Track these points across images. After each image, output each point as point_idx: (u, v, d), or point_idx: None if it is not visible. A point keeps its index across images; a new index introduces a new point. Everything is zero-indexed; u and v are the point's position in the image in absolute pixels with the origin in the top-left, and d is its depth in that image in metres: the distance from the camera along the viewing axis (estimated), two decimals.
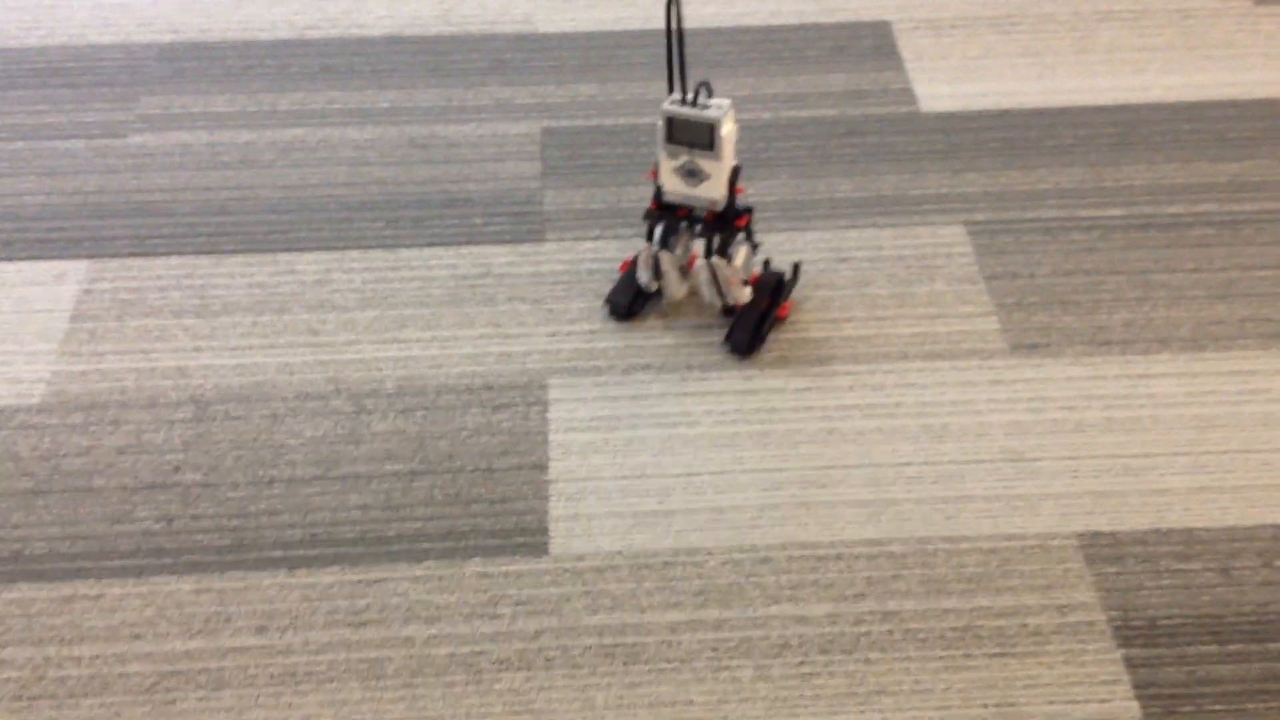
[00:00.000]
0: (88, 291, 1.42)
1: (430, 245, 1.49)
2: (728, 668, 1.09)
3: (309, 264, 1.46)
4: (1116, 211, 1.53)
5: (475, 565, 1.17)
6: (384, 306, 1.41)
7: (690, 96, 1.21)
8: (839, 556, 1.18)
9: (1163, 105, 1.68)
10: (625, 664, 1.10)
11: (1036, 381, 1.33)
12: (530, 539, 1.19)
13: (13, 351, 1.35)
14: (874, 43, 1.79)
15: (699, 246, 1.36)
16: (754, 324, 1.31)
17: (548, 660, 1.10)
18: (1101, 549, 1.18)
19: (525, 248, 1.49)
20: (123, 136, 1.64)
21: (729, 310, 1.34)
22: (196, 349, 1.36)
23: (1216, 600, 1.14)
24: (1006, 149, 1.62)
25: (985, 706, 1.06)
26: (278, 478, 1.24)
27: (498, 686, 1.08)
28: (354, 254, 1.48)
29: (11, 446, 1.26)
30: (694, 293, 1.38)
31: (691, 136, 1.22)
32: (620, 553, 1.18)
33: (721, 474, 1.25)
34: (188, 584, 1.15)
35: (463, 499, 1.22)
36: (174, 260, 1.46)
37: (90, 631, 1.11)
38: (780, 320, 1.35)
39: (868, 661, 1.10)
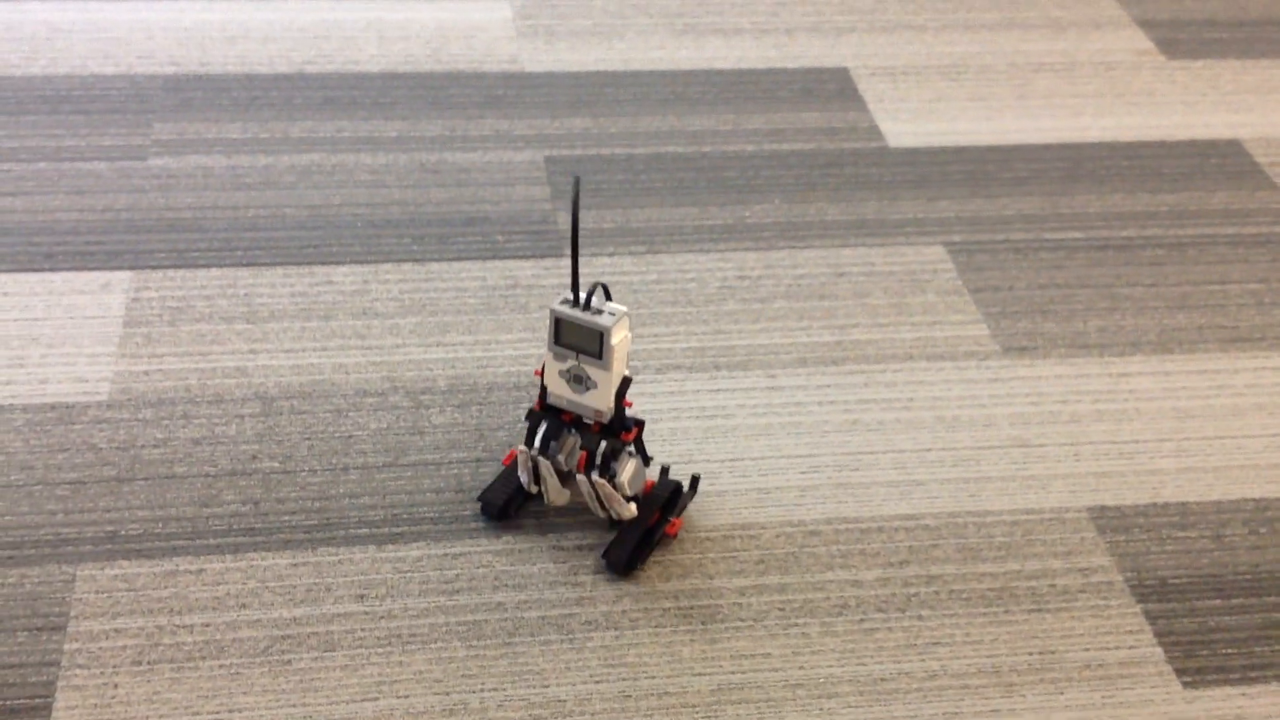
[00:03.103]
0: (135, 300, 1.47)
1: (458, 259, 1.58)
2: (796, 625, 1.20)
3: (345, 276, 1.54)
4: (1077, 234, 1.70)
5: (550, 539, 1.25)
6: (424, 314, 1.49)
7: (584, 297, 1.12)
8: (880, 529, 1.29)
9: (1102, 144, 1.86)
10: (703, 623, 1.19)
11: (1030, 379, 1.47)
12: (594, 517, 1.28)
13: (73, 353, 1.40)
14: (837, 86, 1.95)
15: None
16: (635, 542, 1.20)
17: (632, 621, 1.19)
18: (1109, 520, 1.31)
19: (547, 262, 1.59)
20: (143, 159, 1.69)
21: (615, 522, 1.25)
22: (252, 351, 1.42)
23: (1214, 562, 1.29)
24: (970, 180, 1.78)
25: (1030, 654, 1.18)
26: (351, 465, 1.31)
27: (590, 644, 1.16)
28: (387, 267, 1.56)
29: (89, 439, 1.31)
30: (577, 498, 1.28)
31: (580, 341, 1.13)
32: (682, 527, 1.27)
33: (762, 459, 1.35)
34: (283, 559, 1.21)
35: None
36: (214, 271, 1.52)
37: (197, 602, 1.17)
38: (669, 537, 1.24)
39: (920, 618, 1.21)
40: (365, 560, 1.21)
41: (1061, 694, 1.15)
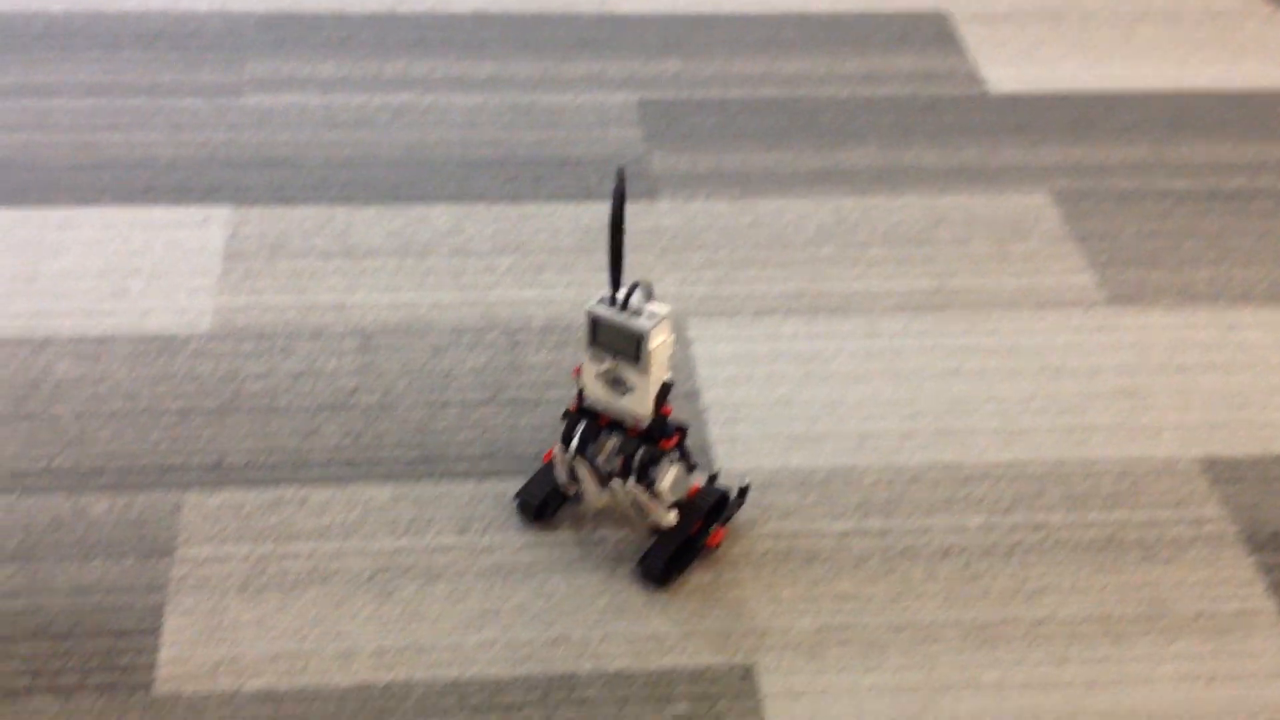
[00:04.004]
0: (234, 235, 1.48)
1: (551, 200, 1.57)
2: (898, 569, 1.18)
3: (440, 214, 1.53)
4: (1183, 183, 1.65)
5: None
6: (519, 253, 1.48)
7: (623, 297, 1.04)
8: (984, 476, 1.27)
9: (1208, 93, 1.81)
10: (804, 564, 1.18)
11: (1137, 329, 1.44)
12: (696, 457, 1.26)
13: (174, 286, 1.41)
14: (935, 31, 1.91)
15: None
16: (672, 552, 1.13)
17: (732, 561, 1.18)
18: (1221, 471, 1.28)
19: (641, 204, 1.57)
20: (239, 96, 1.69)
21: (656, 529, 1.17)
22: (350, 287, 1.42)
23: None
24: (1073, 127, 1.74)
25: (1139, 604, 1.16)
26: (450, 401, 1.30)
27: (690, 582, 1.15)
28: (480, 206, 1.55)
29: (192, 370, 1.31)
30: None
31: (617, 344, 1.05)
32: (781, 470, 1.26)
33: (861, 405, 1.33)
34: (385, 491, 1.21)
35: None
36: (311, 209, 1.52)
37: (302, 531, 1.17)
38: (710, 549, 1.17)
39: (1026, 565, 1.19)
40: (465, 494, 1.21)
41: (1171, 644, 1.13)
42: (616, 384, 1.08)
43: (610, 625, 1.12)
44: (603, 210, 1.55)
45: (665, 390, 1.08)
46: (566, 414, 1.13)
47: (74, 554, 1.14)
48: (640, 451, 1.10)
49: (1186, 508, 1.24)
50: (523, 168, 1.61)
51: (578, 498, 1.18)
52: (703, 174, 1.62)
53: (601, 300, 1.06)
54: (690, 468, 1.14)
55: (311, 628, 1.10)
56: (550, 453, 1.17)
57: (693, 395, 1.33)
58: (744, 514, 1.21)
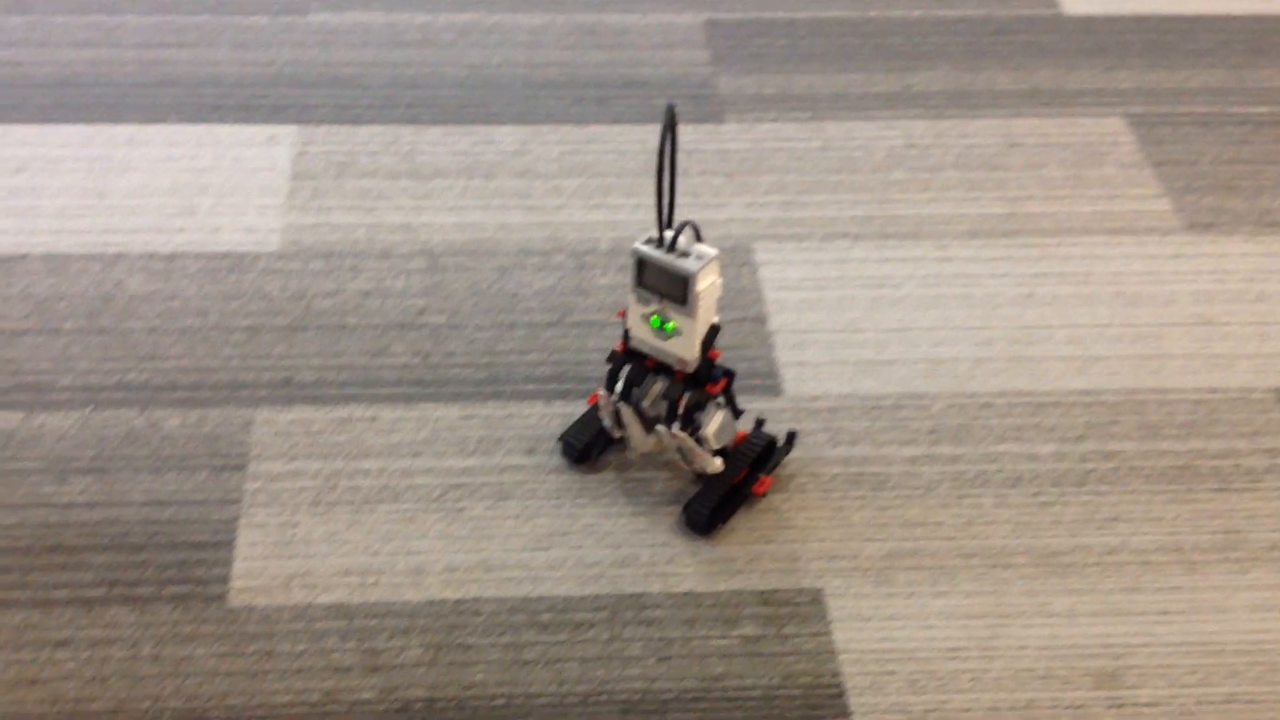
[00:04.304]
0: (301, 154, 1.47)
1: (616, 122, 1.55)
2: (969, 495, 1.17)
3: (506, 135, 1.52)
4: (1263, 109, 1.61)
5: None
6: (585, 175, 1.47)
7: (671, 237, 1.01)
8: (1056, 404, 1.25)
9: None
10: (873, 490, 1.17)
11: (1214, 256, 1.41)
12: (764, 382, 1.26)
13: (242, 204, 1.41)
14: None
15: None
16: (717, 500, 1.11)
17: (800, 485, 1.17)
18: None
19: (707, 127, 1.55)
20: (303, 14, 1.68)
21: (701, 475, 1.14)
22: (417, 207, 1.42)
23: None
24: (1150, 50, 1.70)
25: (1213, 534, 1.15)
26: (517, 322, 1.30)
27: (758, 505, 1.15)
28: (546, 128, 1.54)
29: (261, 287, 1.32)
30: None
31: (663, 285, 1.02)
32: (850, 395, 1.25)
33: (932, 330, 1.32)
34: (454, 410, 1.21)
35: None
36: (377, 128, 1.52)
37: (372, 449, 1.18)
38: (757, 496, 1.14)
39: (1098, 493, 1.18)
40: (534, 415, 1.21)
41: (1245, 574, 1.12)
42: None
43: (678, 547, 1.12)
44: None
45: (713, 333, 1.05)
46: (612, 355, 1.10)
47: (148, 467, 1.15)
48: (686, 396, 1.07)
49: (1262, 438, 1.22)
50: (588, 89, 1.59)
51: (623, 441, 1.16)
52: (770, 96, 1.60)
53: (649, 240, 1.02)
54: (737, 414, 1.11)
55: (383, 544, 1.10)
56: (596, 395, 1.14)
57: (760, 320, 1.32)
58: (812, 439, 1.21)
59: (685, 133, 1.53)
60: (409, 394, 1.22)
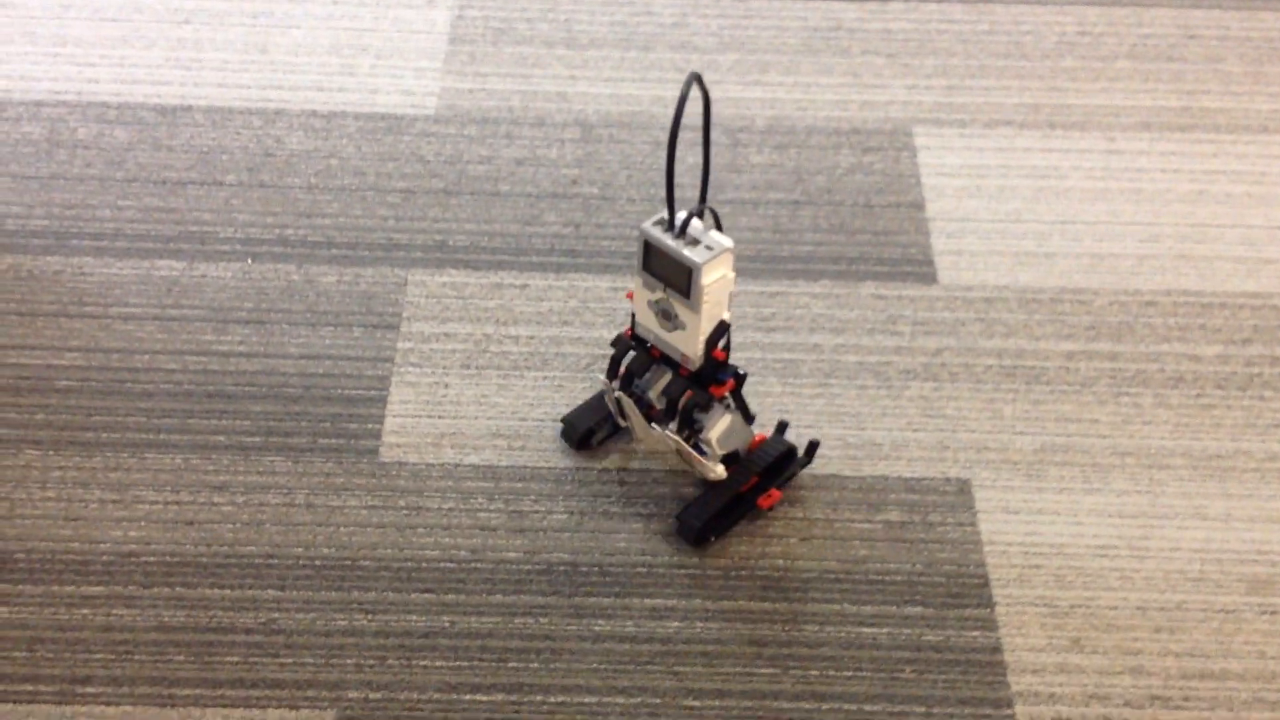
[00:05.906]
0: (460, 18, 1.46)
1: None
2: (1127, 394, 1.14)
3: (664, 7, 1.49)
4: None
5: (869, 287, 1.21)
6: (743, 51, 1.44)
7: (681, 221, 0.91)
8: (1223, 305, 1.21)
9: None
10: (1027, 384, 1.14)
11: None
12: (917, 269, 1.23)
13: (401, 66, 1.41)
14: None
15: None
16: (717, 509, 1.00)
17: (952, 374, 1.15)
18: None
19: (871, 5, 1.50)
20: None
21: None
22: (572, 77, 1.40)
23: None
24: None
25: None
26: None
27: (907, 393, 1.13)
28: (706, 1, 1.50)
29: (417, 150, 1.32)
30: None
31: (668, 273, 0.92)
32: (1007, 287, 1.22)
33: (1097, 224, 1.28)
34: (604, 282, 1.21)
35: (846, 229, 1.26)
36: None
37: (522, 315, 1.18)
38: (762, 510, 1.03)
39: (1262, 399, 1.14)
40: None
41: None
42: (667, 317, 0.95)
43: (825, 429, 1.11)
44: (830, 9, 1.49)
45: (720, 331, 0.94)
46: (618, 340, 1.00)
47: (305, 321, 1.17)
48: (686, 395, 0.97)
49: None
50: None
51: (628, 431, 1.06)
52: None
53: (659, 220, 0.92)
54: (749, 418, 1.01)
55: (531, 409, 1.11)
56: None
57: (918, 205, 1.29)
58: (965, 329, 1.18)
59: (847, 11, 1.49)
60: (559, 263, 1.22)
